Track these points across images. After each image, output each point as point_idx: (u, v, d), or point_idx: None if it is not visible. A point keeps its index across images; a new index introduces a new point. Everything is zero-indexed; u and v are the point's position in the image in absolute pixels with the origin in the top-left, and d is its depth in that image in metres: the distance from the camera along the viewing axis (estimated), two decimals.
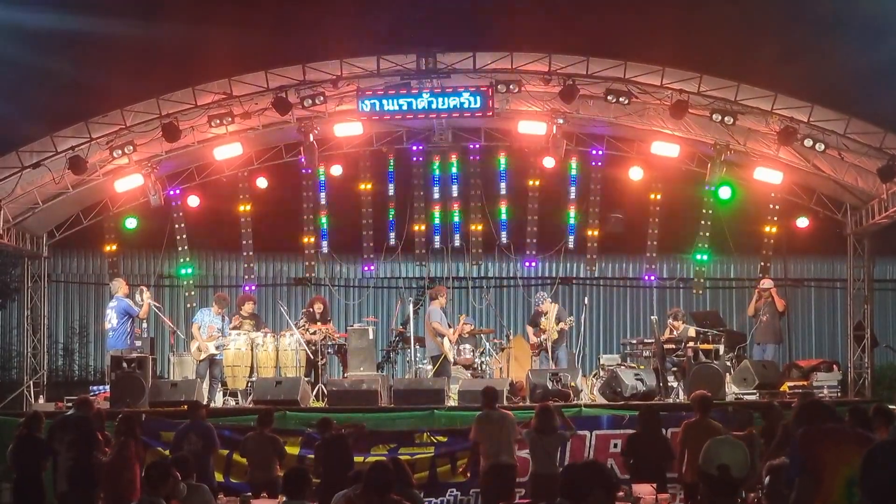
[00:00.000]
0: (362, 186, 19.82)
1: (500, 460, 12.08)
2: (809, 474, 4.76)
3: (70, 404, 15.88)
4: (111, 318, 17.03)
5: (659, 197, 19.56)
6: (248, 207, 19.80)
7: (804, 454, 4.96)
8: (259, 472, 12.35)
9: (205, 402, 15.90)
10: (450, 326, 17.76)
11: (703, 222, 19.47)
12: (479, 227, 20.07)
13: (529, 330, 18.15)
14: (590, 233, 20.01)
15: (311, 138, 18.00)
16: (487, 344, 18.26)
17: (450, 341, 17.30)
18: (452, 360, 17.28)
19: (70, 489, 11.79)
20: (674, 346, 17.10)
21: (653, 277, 20.93)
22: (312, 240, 20.07)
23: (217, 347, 17.01)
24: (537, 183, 19.69)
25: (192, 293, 20.35)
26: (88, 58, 21.44)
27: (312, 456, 12.95)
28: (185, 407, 13.71)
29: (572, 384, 15.84)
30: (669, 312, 18.30)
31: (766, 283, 18.46)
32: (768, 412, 12.62)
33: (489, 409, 12.47)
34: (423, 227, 20.05)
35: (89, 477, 11.68)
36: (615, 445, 14.34)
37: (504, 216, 20.17)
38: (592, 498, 4.95)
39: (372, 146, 19.51)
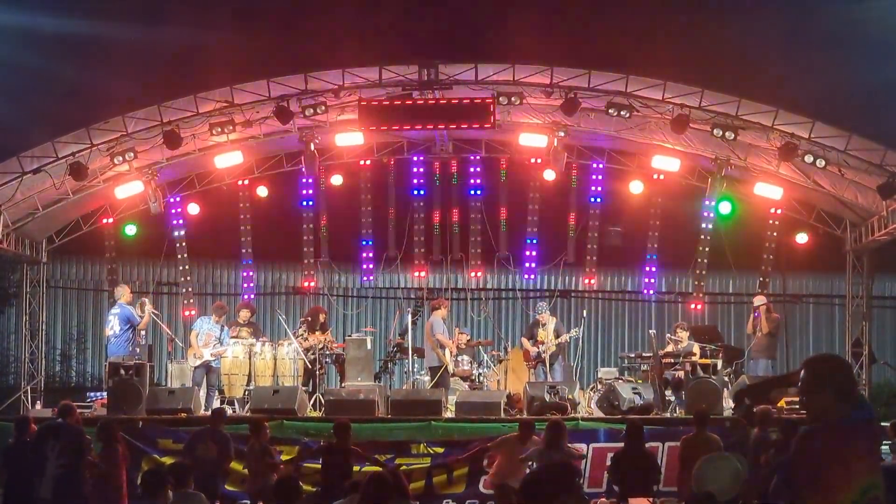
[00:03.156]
0: (362, 196, 19.84)
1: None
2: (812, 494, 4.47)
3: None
4: (114, 325, 16.93)
5: (659, 211, 19.58)
6: (248, 216, 19.82)
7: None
8: (257, 481, 12.35)
9: (202, 410, 15.93)
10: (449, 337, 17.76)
11: (702, 237, 19.47)
12: (479, 239, 20.08)
13: (526, 342, 18.12)
14: (589, 246, 20.00)
15: (312, 147, 18.02)
16: (485, 356, 18.23)
17: (451, 353, 17.29)
18: (451, 371, 17.28)
19: (54, 498, 11.28)
20: (672, 361, 17.08)
21: (651, 291, 20.91)
22: (312, 249, 20.08)
23: (212, 354, 16.97)
24: (537, 195, 19.71)
25: (191, 300, 20.33)
26: (90, 64, 21.41)
27: (307, 465, 12.94)
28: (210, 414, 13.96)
29: (570, 397, 15.84)
30: (675, 326, 18.20)
31: (758, 300, 18.38)
32: (784, 427, 12.61)
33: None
34: (422, 238, 20.07)
35: (76, 487, 11.38)
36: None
37: (504, 228, 20.20)
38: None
39: (373, 156, 19.54)
